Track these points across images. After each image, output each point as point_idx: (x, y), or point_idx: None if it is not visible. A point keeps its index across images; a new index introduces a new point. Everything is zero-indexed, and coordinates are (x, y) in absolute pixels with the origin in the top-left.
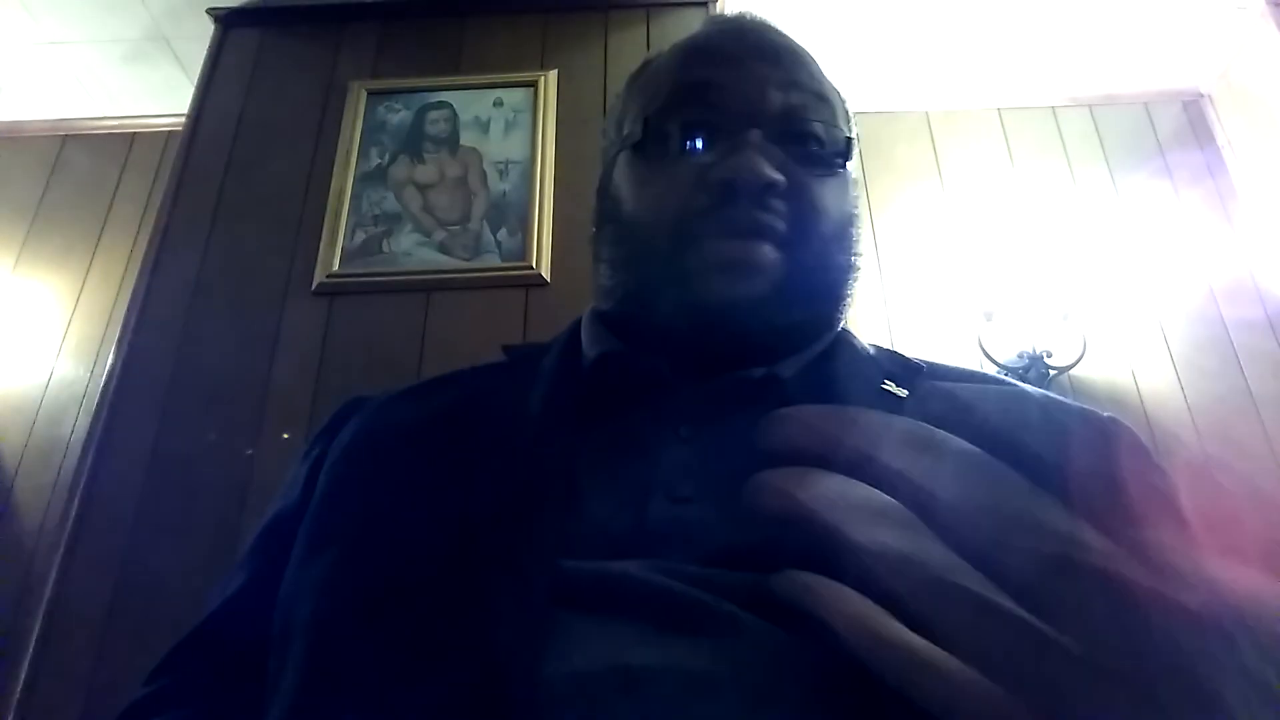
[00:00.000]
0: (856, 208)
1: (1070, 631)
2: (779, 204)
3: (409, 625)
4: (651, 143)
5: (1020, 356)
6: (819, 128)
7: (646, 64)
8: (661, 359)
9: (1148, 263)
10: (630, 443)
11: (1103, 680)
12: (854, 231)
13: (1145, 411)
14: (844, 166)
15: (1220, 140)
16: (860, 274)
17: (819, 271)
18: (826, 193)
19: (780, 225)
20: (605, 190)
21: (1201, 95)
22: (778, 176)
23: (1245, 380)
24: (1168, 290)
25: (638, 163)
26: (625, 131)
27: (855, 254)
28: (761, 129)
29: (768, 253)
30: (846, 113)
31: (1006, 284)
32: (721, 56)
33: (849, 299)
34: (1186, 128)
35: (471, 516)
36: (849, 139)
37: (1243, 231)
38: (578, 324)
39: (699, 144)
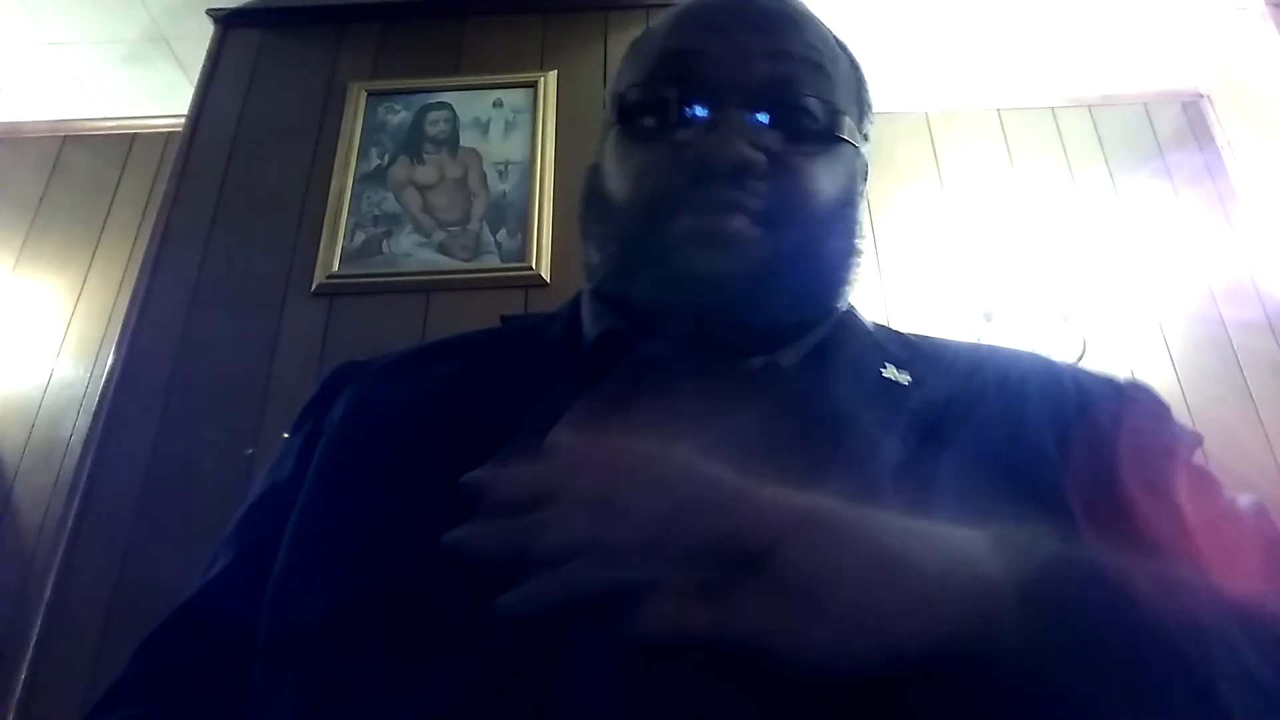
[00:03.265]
0: (859, 187)
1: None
2: (758, 183)
3: (415, 626)
4: (632, 117)
5: None
6: (810, 101)
7: (647, 31)
8: (662, 341)
9: (1147, 263)
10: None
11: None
12: (852, 213)
13: None
14: (836, 142)
15: (1220, 141)
16: (862, 258)
17: (808, 252)
18: (816, 170)
19: (757, 203)
20: (596, 166)
21: (1201, 96)
22: (755, 156)
23: (1245, 380)
24: (1168, 290)
25: (623, 137)
26: (615, 105)
27: (855, 237)
28: (745, 102)
29: (743, 227)
30: (856, 82)
31: (1006, 284)
32: (709, 24)
33: (849, 284)
34: (1186, 128)
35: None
36: (838, 112)
37: (1243, 232)
38: (577, 300)
39: (680, 118)
